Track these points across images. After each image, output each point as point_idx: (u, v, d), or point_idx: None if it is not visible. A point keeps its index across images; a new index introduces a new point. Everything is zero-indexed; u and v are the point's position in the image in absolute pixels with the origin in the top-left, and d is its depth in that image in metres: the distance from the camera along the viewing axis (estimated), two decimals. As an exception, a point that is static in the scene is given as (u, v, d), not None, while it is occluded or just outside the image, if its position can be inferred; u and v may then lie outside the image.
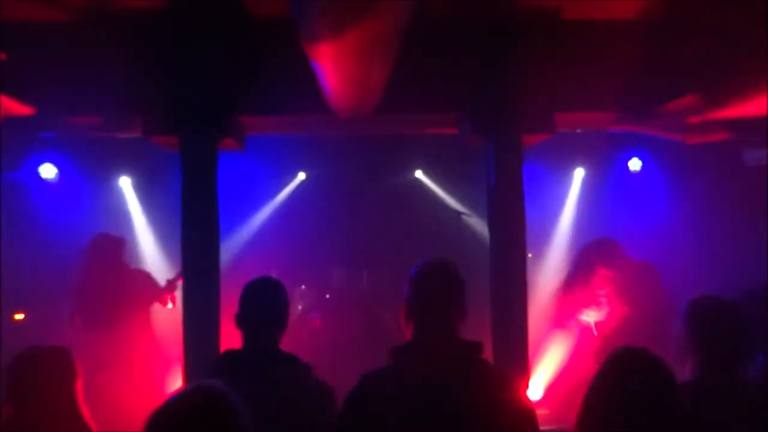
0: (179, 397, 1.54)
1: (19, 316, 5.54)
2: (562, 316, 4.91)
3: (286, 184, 6.64)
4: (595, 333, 4.76)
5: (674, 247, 5.42)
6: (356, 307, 5.36)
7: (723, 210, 5.27)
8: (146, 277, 4.72)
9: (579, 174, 6.55)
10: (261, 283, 2.47)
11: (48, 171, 5.79)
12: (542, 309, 5.05)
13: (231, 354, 2.42)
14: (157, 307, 4.88)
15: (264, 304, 2.40)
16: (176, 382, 4.15)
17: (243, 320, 2.39)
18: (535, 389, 5.03)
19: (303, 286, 5.76)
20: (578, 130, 4.63)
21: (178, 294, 4.55)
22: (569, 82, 3.66)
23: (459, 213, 5.99)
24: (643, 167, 6.18)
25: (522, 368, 3.70)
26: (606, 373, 1.74)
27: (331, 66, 2.67)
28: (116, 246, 4.64)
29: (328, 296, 5.84)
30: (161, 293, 4.74)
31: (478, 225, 6.25)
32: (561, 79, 3.64)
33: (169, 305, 4.73)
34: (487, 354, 1.94)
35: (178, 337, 3.72)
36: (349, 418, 1.81)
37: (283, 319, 2.41)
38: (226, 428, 1.49)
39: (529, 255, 4.36)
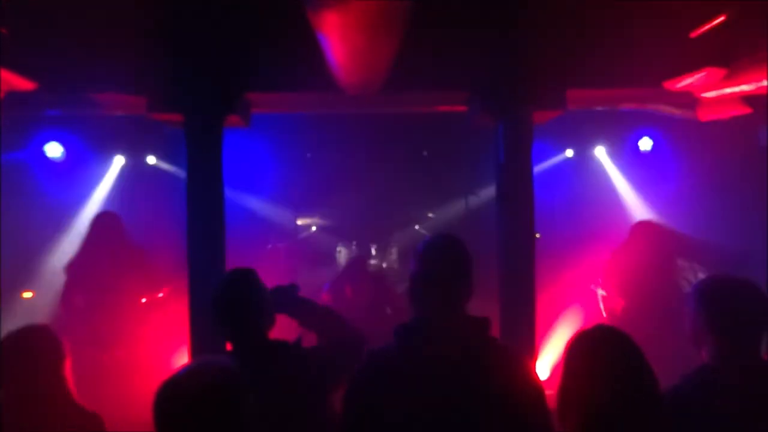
0: (188, 371, 1.53)
1: (28, 295, 5.56)
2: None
3: (292, 162, 6.61)
4: (604, 314, 4.74)
5: (686, 228, 5.37)
6: (365, 284, 5.34)
7: (736, 190, 5.20)
8: (146, 256, 4.68)
9: (589, 153, 6.48)
10: (228, 280, 2.33)
11: (54, 150, 5.76)
12: (551, 289, 5.02)
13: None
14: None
15: (236, 299, 2.26)
16: (182, 361, 4.15)
17: (221, 323, 2.28)
18: (543, 369, 5.03)
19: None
20: (589, 108, 4.55)
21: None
22: (581, 58, 3.60)
23: (467, 192, 5.95)
24: (654, 146, 6.09)
25: (530, 348, 3.67)
26: (576, 356, 1.72)
27: (338, 38, 2.62)
28: (117, 224, 4.60)
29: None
30: (158, 278, 4.69)
31: (486, 204, 6.22)
32: (573, 54, 3.58)
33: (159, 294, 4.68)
34: (495, 334, 1.90)
35: (185, 313, 3.71)
36: (356, 395, 1.79)
37: (260, 308, 2.28)
38: (234, 401, 1.49)
39: (538, 235, 4.32)
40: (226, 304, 2.26)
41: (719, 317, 1.99)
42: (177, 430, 1.45)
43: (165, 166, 6.28)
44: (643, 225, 4.84)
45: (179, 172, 4.37)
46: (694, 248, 4.57)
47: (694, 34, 3.44)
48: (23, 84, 3.57)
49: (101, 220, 4.63)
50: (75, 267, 4.48)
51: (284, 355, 2.25)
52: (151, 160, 6.32)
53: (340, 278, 5.43)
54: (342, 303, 5.27)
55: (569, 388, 1.70)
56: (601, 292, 4.77)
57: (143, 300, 4.57)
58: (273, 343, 2.28)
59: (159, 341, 4.56)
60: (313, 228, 6.63)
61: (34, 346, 2.18)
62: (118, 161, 6.27)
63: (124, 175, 6.27)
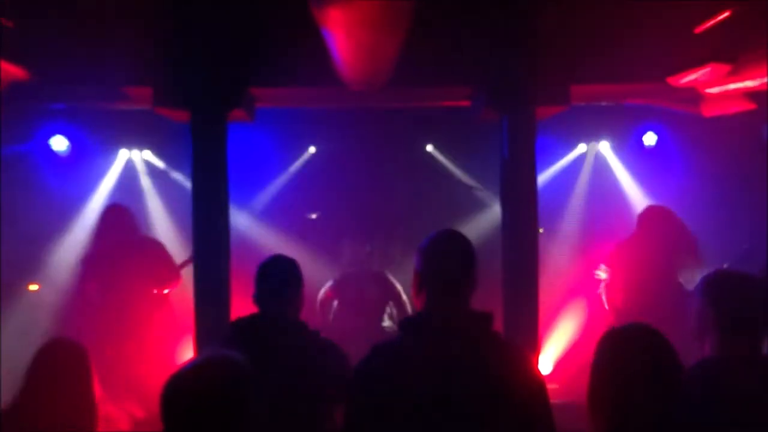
0: (195, 365, 1.54)
1: (34, 287, 5.59)
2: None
3: (296, 157, 6.61)
4: (606, 306, 4.74)
5: (690, 223, 5.36)
6: (368, 279, 5.36)
7: (741, 185, 5.19)
8: (159, 247, 4.70)
9: (593, 148, 6.46)
10: (272, 261, 2.58)
11: (59, 143, 5.78)
12: (554, 284, 5.04)
13: (239, 322, 2.50)
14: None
15: (274, 280, 2.51)
16: (189, 354, 4.18)
17: (256, 298, 2.52)
18: (545, 364, 5.05)
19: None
20: (593, 104, 4.55)
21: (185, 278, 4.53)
22: (585, 53, 3.60)
23: (470, 187, 5.95)
24: (658, 141, 6.08)
25: (533, 343, 3.69)
26: (609, 352, 1.71)
27: (342, 34, 2.63)
28: (128, 216, 4.62)
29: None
30: (170, 269, 4.70)
31: (490, 199, 6.22)
32: (576, 50, 3.58)
33: (165, 290, 4.69)
34: (498, 329, 1.91)
35: (190, 308, 3.74)
36: (359, 389, 1.80)
37: (293, 294, 2.53)
38: (242, 395, 1.50)
39: (541, 230, 4.33)
40: (257, 287, 2.52)
41: (723, 312, 1.99)
42: (185, 424, 1.47)
43: (170, 159, 6.29)
44: (653, 210, 4.80)
45: (185, 165, 4.39)
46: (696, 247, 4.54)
47: (698, 30, 3.44)
48: (28, 77, 3.58)
49: (112, 211, 4.65)
50: (89, 258, 4.51)
51: (294, 335, 2.43)
52: (156, 153, 6.34)
53: (344, 275, 5.45)
54: (345, 299, 5.30)
55: (598, 386, 1.69)
56: (603, 277, 4.74)
57: (155, 291, 4.59)
58: (289, 322, 2.47)
59: (168, 334, 4.58)
60: (313, 216, 6.62)
61: (62, 363, 2.21)
62: (123, 155, 6.29)
63: (129, 169, 6.29)
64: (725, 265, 4.10)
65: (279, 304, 2.48)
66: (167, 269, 4.61)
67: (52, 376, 2.17)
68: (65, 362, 2.21)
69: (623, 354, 1.69)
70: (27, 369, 2.19)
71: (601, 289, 4.77)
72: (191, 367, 1.53)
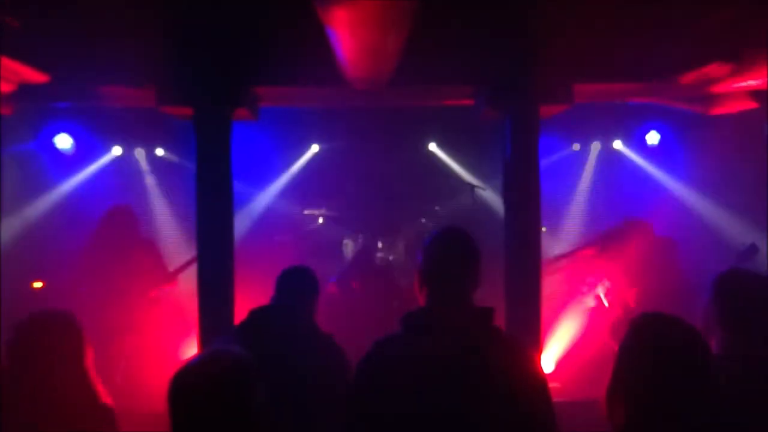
0: (201, 361, 1.55)
1: (38, 285, 5.61)
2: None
3: (300, 155, 6.64)
4: (606, 305, 4.74)
5: (693, 222, 5.37)
6: (372, 275, 5.38)
7: (743, 183, 5.19)
8: (153, 249, 4.70)
9: (596, 147, 6.47)
10: (291, 269, 2.77)
11: (63, 141, 5.81)
12: (556, 283, 5.04)
13: (254, 314, 2.59)
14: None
15: (290, 285, 2.69)
16: (191, 350, 4.20)
17: (274, 301, 2.67)
18: (547, 363, 5.05)
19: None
20: (596, 102, 4.55)
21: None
22: (588, 52, 3.59)
23: (472, 186, 5.96)
24: (661, 140, 6.08)
25: (535, 341, 3.70)
26: (638, 342, 1.68)
27: (346, 33, 2.64)
28: (128, 217, 4.63)
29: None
30: (168, 272, 4.70)
31: (492, 197, 6.23)
32: (579, 49, 3.57)
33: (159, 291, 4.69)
34: (500, 325, 1.92)
35: (193, 305, 3.75)
36: (361, 385, 1.81)
37: (307, 299, 2.70)
38: (246, 390, 1.51)
39: (544, 228, 4.32)
40: (275, 293, 2.71)
41: (727, 310, 2.00)
42: (191, 419, 1.48)
43: (174, 158, 6.32)
44: (638, 224, 4.80)
45: (188, 163, 4.40)
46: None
47: (701, 29, 3.43)
48: (36, 77, 3.60)
49: (115, 212, 4.66)
50: (82, 257, 4.52)
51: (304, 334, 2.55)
52: (159, 151, 6.36)
53: (347, 271, 5.46)
54: (349, 296, 5.32)
55: (624, 376, 1.68)
56: (604, 289, 4.75)
57: (148, 292, 4.60)
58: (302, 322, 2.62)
59: (167, 332, 4.59)
60: (320, 220, 6.66)
61: (53, 331, 2.16)
62: (127, 153, 6.31)
63: (132, 167, 6.31)
64: (729, 264, 4.10)
65: (293, 306, 2.63)
66: (161, 271, 4.61)
67: (43, 346, 2.12)
68: (56, 332, 2.16)
69: (655, 344, 1.66)
70: (15, 341, 2.13)
71: (602, 290, 4.76)
72: (197, 363, 1.54)
